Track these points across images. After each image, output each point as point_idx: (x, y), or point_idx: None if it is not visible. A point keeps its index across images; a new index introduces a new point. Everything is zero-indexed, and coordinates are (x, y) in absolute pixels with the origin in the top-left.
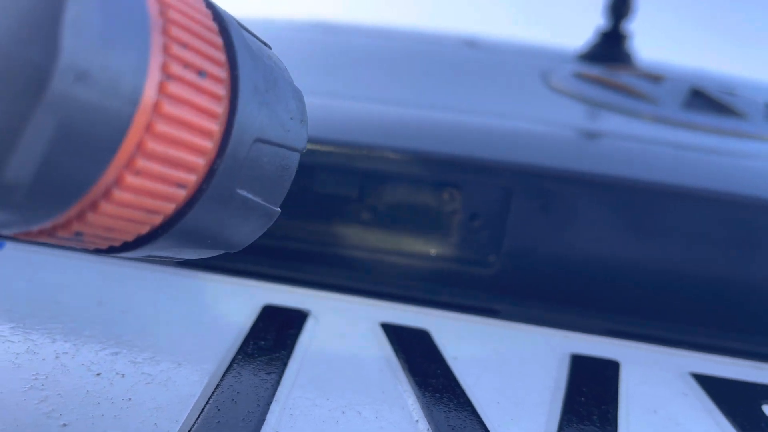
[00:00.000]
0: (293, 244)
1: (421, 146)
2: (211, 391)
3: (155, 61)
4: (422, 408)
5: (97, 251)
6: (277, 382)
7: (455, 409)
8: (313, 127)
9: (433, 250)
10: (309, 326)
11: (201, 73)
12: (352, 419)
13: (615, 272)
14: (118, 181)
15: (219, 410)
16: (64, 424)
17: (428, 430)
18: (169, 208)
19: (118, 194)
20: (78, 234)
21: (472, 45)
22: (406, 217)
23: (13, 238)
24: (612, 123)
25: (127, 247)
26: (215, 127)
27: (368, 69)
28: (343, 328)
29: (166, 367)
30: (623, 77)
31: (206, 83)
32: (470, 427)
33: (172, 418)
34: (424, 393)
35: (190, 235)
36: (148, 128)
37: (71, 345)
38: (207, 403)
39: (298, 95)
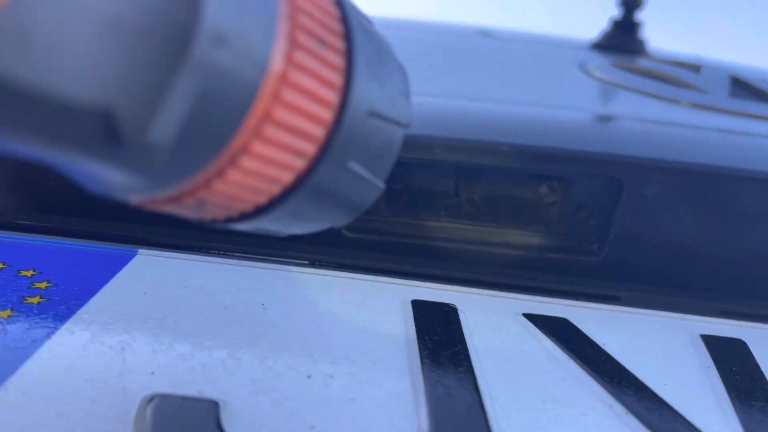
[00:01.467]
0: (422, 241)
1: (533, 141)
2: (422, 386)
3: (282, 28)
4: (609, 393)
5: (213, 222)
6: (473, 375)
7: (639, 394)
8: (423, 125)
9: (542, 241)
10: (464, 320)
11: (322, 42)
12: (554, 406)
13: (726, 257)
14: (246, 149)
15: (442, 405)
16: (311, 427)
17: (626, 413)
18: (288, 177)
19: (245, 162)
20: (201, 202)
21: (486, 35)
22: (514, 211)
23: (139, 208)
24: (680, 114)
25: (244, 217)
26: (334, 98)
27: (409, 62)
28: (493, 321)
29: (363, 366)
30: (662, 67)
31: (327, 53)
32: (663, 411)
33: (402, 415)
34: (602, 378)
35: (303, 207)
36: (276, 96)
37: (266, 348)
38: (426, 398)
39: (402, 71)
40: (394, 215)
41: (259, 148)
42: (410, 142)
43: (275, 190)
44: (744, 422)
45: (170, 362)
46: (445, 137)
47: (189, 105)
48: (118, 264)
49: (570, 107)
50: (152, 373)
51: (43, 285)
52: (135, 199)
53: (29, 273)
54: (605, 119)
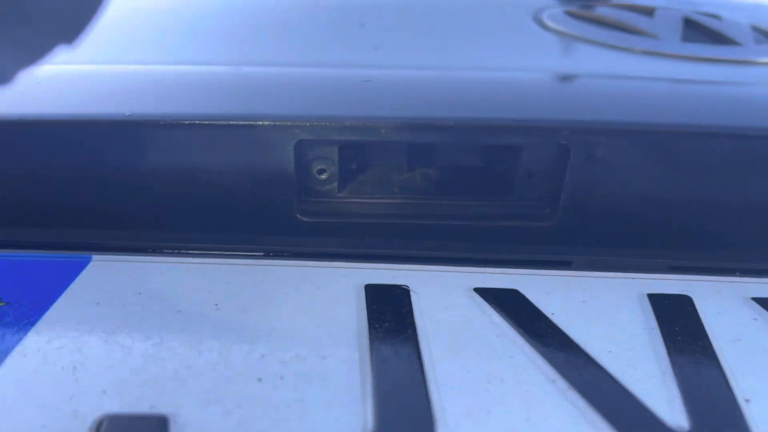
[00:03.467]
0: (376, 220)
1: (476, 114)
2: (369, 380)
3: None
4: (554, 367)
5: None
6: (420, 361)
7: (582, 366)
8: (365, 105)
9: (494, 210)
10: (415, 301)
11: None
12: (498, 387)
13: (672, 213)
14: None
15: (388, 398)
16: None
17: (569, 388)
18: None
19: None
20: None
21: None
22: (465, 182)
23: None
24: (630, 64)
25: None
26: None
27: (313, 30)
28: (443, 299)
29: (314, 363)
30: (616, 12)
31: None
32: (604, 382)
33: (350, 412)
34: (549, 352)
35: None
36: None
37: (217, 354)
38: (373, 393)
39: None
40: (347, 196)
41: None
42: (354, 125)
43: None
44: (681, 386)
45: (122, 379)
46: (386, 117)
47: None
48: (72, 273)
49: (518, 68)
50: (104, 392)
51: None
52: None
53: None
54: (554, 79)
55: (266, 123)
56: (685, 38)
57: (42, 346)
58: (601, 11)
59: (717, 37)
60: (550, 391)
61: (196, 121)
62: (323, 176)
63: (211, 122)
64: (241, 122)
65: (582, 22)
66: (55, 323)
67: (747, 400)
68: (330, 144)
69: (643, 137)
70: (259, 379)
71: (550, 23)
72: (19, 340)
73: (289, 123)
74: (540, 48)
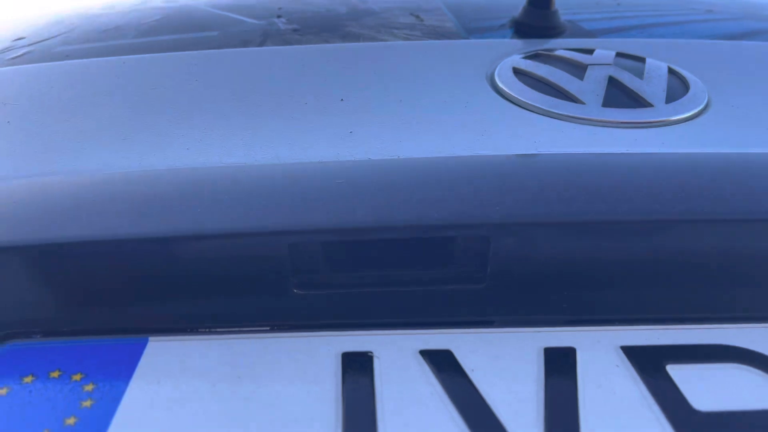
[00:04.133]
0: (346, 290)
1: (417, 219)
2: None
3: None
4: (466, 423)
5: None
6: (374, 422)
7: (484, 421)
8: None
9: (442, 276)
10: (376, 366)
11: None
12: None
13: (568, 277)
14: None
15: None
16: None
17: None
18: None
19: None
20: None
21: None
22: (421, 259)
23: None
24: (554, 136)
25: None
26: None
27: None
28: (396, 362)
29: (303, 429)
30: (553, 73)
31: None
32: None
33: None
34: (462, 408)
35: None
36: None
37: (239, 426)
38: None
39: None
40: (331, 272)
41: None
42: (333, 230)
43: None
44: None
45: None
46: (357, 224)
47: None
48: (137, 354)
49: (458, 151)
50: None
51: (90, 387)
52: None
53: (78, 377)
54: (486, 164)
55: (267, 235)
56: (606, 102)
57: (126, 424)
58: (542, 71)
59: (633, 98)
60: None
61: (215, 234)
62: (311, 259)
63: (227, 235)
64: (251, 234)
65: (524, 84)
66: (131, 404)
67: None
68: (315, 242)
69: (544, 228)
70: None
71: (499, 83)
72: (109, 421)
73: (283, 233)
74: (483, 122)
